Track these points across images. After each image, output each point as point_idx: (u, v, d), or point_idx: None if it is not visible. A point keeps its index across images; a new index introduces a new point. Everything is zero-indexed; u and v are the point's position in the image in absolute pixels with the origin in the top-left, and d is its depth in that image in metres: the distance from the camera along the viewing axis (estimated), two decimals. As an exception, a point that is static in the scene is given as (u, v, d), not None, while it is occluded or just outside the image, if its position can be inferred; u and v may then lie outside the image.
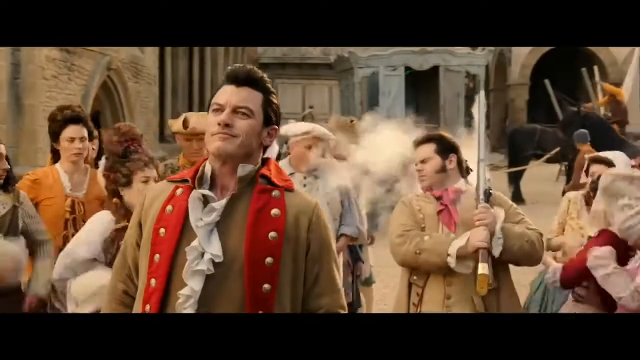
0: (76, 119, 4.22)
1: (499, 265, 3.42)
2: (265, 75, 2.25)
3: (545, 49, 25.16)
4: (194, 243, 2.12)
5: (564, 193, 11.69)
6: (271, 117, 2.23)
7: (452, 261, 3.36)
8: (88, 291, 3.26)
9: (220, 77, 19.50)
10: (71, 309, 3.35)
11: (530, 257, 3.47)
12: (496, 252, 3.37)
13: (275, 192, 2.19)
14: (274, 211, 2.15)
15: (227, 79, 2.22)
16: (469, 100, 16.61)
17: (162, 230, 2.16)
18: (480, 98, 3.77)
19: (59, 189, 4.16)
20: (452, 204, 3.60)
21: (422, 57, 15.32)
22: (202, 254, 2.11)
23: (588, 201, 4.50)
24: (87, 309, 3.22)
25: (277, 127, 2.25)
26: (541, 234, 3.54)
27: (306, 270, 2.19)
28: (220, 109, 2.17)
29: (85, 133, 4.24)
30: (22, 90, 9.68)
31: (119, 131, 3.63)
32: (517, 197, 15.81)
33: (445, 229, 3.54)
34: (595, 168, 4.49)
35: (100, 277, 3.23)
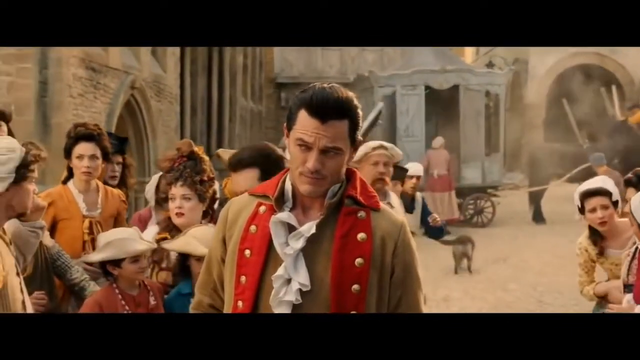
0: (88, 137, 4.13)
1: None
2: (348, 94, 2.10)
3: (562, 69, 25.13)
4: (280, 271, 2.06)
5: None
6: (357, 136, 2.12)
7: None
8: (105, 240, 3.51)
9: (239, 95, 19.58)
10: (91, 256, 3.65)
11: None
12: None
13: (361, 214, 2.11)
14: (361, 235, 2.08)
15: (310, 112, 2.05)
16: (489, 119, 16.71)
17: (247, 251, 2.11)
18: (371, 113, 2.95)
19: (75, 210, 4.09)
20: None
21: (442, 76, 15.35)
22: (289, 280, 2.06)
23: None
24: (100, 256, 3.47)
25: (361, 138, 2.15)
26: None
27: (390, 294, 2.12)
28: (306, 146, 2.05)
29: (97, 151, 4.13)
30: (50, 109, 9.72)
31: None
32: (538, 217, 15.78)
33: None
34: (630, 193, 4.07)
35: (120, 232, 3.60)
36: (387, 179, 4.77)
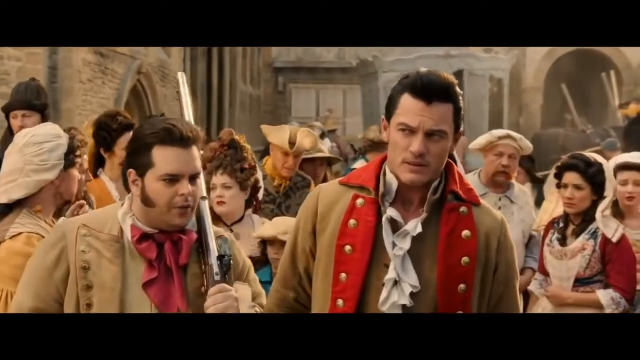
0: (131, 126, 4.13)
1: None
2: (452, 78, 2.05)
3: (560, 53, 25.13)
4: (391, 273, 1.99)
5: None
6: (460, 123, 2.06)
7: None
8: None
9: (239, 80, 19.45)
10: None
11: None
12: None
13: (462, 209, 2.06)
14: (465, 233, 2.03)
15: (414, 94, 1.99)
16: (493, 103, 16.69)
17: (347, 247, 2.03)
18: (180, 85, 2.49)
19: (109, 198, 4.04)
20: (179, 271, 2.12)
21: (446, 62, 15.26)
22: (395, 282, 1.99)
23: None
24: None
25: (461, 129, 2.10)
26: None
27: (492, 291, 2.09)
28: (409, 130, 1.99)
29: None
30: (60, 94, 9.62)
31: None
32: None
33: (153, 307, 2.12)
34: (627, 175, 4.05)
35: None
36: (511, 173, 4.39)
